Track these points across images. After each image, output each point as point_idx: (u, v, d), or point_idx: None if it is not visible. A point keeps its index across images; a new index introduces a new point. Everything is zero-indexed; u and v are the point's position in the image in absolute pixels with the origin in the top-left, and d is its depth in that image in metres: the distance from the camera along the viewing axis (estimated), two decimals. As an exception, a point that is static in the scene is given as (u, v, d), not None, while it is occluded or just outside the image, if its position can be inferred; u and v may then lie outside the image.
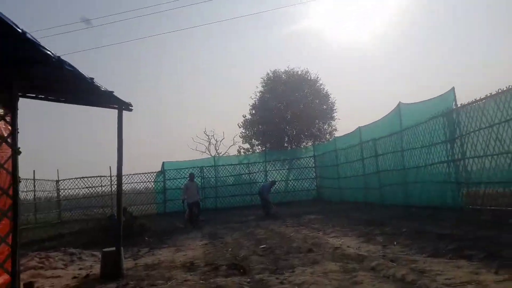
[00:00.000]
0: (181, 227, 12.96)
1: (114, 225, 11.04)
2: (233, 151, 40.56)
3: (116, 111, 5.99)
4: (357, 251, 6.00)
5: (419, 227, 8.08)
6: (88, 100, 5.94)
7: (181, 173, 22.51)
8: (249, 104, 31.92)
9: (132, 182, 23.39)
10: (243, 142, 34.45)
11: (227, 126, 65.52)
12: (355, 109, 51.24)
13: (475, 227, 7.41)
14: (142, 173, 23.17)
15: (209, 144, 46.71)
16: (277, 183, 19.06)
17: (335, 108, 30.55)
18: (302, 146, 29.96)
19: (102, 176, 23.31)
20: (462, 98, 10.27)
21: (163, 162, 23.00)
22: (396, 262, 4.96)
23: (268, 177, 22.82)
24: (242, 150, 35.58)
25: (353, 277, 4.40)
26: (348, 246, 6.52)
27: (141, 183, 23.62)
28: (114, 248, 5.92)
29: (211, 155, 43.71)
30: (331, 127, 31.01)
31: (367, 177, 15.77)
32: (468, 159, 9.97)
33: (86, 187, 23.19)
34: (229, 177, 22.90)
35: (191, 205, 13.39)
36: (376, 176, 14.93)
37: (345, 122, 47.21)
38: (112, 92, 5.36)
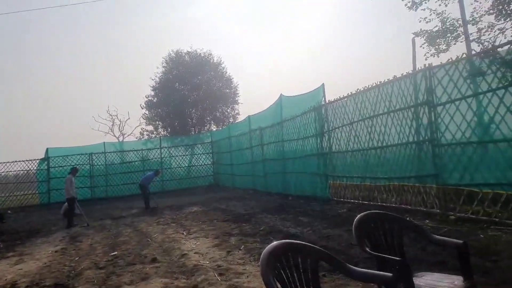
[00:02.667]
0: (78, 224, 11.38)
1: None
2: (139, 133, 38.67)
3: None
4: (199, 260, 5.85)
5: (278, 224, 8.27)
6: None
7: (68, 160, 20.71)
8: (150, 86, 30.47)
9: (12, 170, 21.02)
10: (146, 124, 33.01)
11: (133, 105, 62.27)
12: (254, 95, 52.33)
13: (326, 223, 7.78)
14: (23, 161, 20.85)
15: (112, 125, 43.99)
16: (161, 172, 18.26)
17: (237, 92, 30.64)
18: (205, 130, 29.62)
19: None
20: (333, 95, 10.70)
21: (47, 148, 20.89)
22: (223, 276, 4.88)
23: (163, 164, 22.13)
24: (145, 132, 34.16)
25: (166, 300, 4.18)
26: (196, 252, 6.35)
27: (22, 171, 21.34)
28: None
29: (115, 136, 41.25)
30: (234, 111, 31.06)
31: (255, 165, 16.01)
32: (334, 153, 10.50)
33: None
34: (120, 165, 21.62)
35: (74, 200, 11.81)
36: (261, 164, 15.20)
37: (249, 106, 47.97)
38: None
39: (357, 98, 9.26)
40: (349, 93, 9.50)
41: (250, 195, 15.07)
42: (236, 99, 30.81)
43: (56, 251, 7.72)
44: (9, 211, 17.60)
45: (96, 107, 69.08)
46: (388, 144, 8.24)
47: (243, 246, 6.45)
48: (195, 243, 7.14)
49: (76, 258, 6.89)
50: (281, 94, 13.46)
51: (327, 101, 10.61)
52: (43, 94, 58.90)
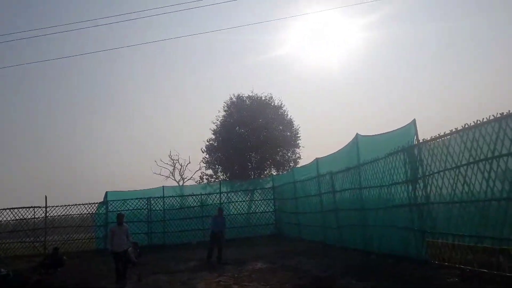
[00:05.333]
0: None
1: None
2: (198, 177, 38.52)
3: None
4: None
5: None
6: None
7: (127, 204, 20.23)
8: (211, 129, 30.23)
9: (71, 214, 20.85)
10: (206, 168, 32.53)
11: (193, 150, 63.40)
12: (319, 138, 50.56)
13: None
14: (83, 204, 20.67)
15: (173, 169, 44.48)
16: (225, 212, 15.43)
17: (299, 135, 29.38)
18: (264, 175, 28.36)
19: (36, 207, 20.63)
20: (424, 134, 8.87)
21: (106, 192, 20.64)
22: None
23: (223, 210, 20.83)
24: (205, 177, 33.68)
25: None
26: None
27: (82, 215, 21.10)
28: None
29: (175, 180, 41.41)
30: (295, 155, 29.63)
31: (325, 215, 14.15)
32: (433, 204, 8.49)
33: (17, 219, 20.29)
34: (179, 210, 20.68)
35: (117, 256, 9.71)
36: (334, 214, 13.32)
37: (310, 150, 46.12)
38: None
39: (465, 135, 7.38)
40: (454, 129, 7.66)
41: (321, 249, 13.12)
42: (298, 142, 29.49)
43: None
44: (64, 257, 17.02)
45: (159, 151, 71.51)
46: (522, 194, 6.19)
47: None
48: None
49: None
50: (357, 133, 11.83)
51: (420, 140, 8.78)
52: (105, 138, 62.06)
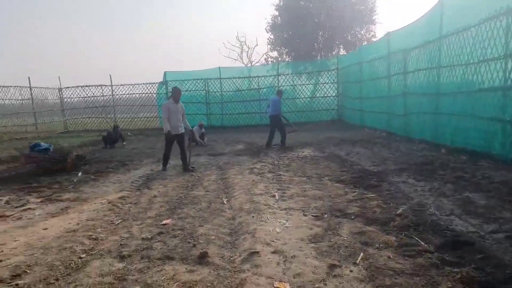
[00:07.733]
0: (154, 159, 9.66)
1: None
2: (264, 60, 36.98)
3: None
4: (274, 274, 3.10)
5: (428, 202, 4.88)
6: None
7: (185, 85, 19.77)
8: (273, 4, 27.17)
9: (132, 93, 21.17)
10: (270, 49, 30.48)
11: (261, 31, 60.11)
12: (401, 13, 43.79)
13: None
14: (145, 83, 20.82)
15: (241, 51, 43.01)
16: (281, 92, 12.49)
17: (375, 9, 25.23)
18: (331, 55, 25.63)
19: (103, 85, 21.35)
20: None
21: (165, 72, 20.23)
22: None
23: (283, 94, 19.43)
24: (270, 59, 31.97)
25: None
26: (274, 252, 3.61)
27: (144, 94, 21.34)
28: None
29: (243, 63, 40.23)
30: (370, 33, 26.01)
31: (392, 100, 12.12)
32: (539, 87, 6.18)
33: (88, 96, 21.56)
34: (236, 92, 19.76)
35: (172, 138, 8.18)
36: (402, 99, 11.27)
37: (388, 28, 40.55)
38: None
39: None
40: None
41: (382, 139, 11.52)
42: (373, 18, 25.53)
43: (109, 202, 5.89)
44: (129, 133, 17.69)
45: (227, 32, 69.23)
46: None
47: (361, 255, 3.44)
48: (283, 224, 4.40)
49: (117, 222, 4.86)
50: (443, -6, 8.95)
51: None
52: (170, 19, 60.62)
